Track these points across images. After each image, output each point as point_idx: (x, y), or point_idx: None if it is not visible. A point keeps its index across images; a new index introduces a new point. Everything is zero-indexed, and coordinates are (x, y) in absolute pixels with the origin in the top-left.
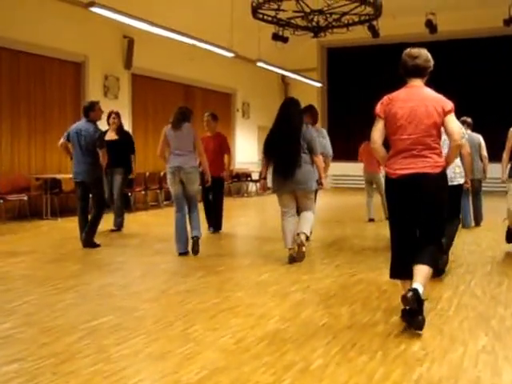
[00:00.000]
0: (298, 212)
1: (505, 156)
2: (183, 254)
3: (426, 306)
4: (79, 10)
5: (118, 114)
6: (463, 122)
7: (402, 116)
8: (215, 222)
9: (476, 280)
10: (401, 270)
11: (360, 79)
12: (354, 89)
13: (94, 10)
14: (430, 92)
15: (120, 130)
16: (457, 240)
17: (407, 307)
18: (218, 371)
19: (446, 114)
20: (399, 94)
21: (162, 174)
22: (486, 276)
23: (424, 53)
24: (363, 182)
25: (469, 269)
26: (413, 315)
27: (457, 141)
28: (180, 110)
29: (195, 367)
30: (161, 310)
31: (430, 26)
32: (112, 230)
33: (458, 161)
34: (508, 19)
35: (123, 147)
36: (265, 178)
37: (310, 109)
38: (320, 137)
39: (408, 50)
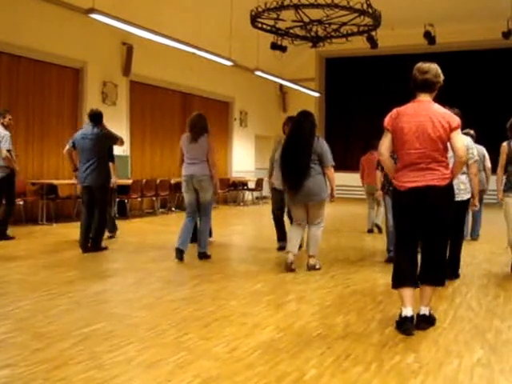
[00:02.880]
0: (308, 222)
1: (499, 172)
2: (178, 250)
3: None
4: (79, 16)
5: None
6: (466, 134)
7: (409, 131)
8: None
9: (472, 292)
10: (403, 279)
11: (358, 89)
12: (352, 99)
13: (94, 16)
14: (437, 107)
15: None
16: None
17: (421, 329)
18: (211, 380)
19: (452, 130)
20: (407, 109)
21: (158, 181)
22: (482, 288)
23: (434, 68)
24: (360, 193)
25: (465, 281)
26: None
27: (462, 157)
28: (198, 124)
29: (188, 376)
30: (154, 318)
31: (429, 37)
32: (108, 237)
33: (463, 178)
34: (507, 32)
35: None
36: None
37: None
38: None
39: (419, 64)
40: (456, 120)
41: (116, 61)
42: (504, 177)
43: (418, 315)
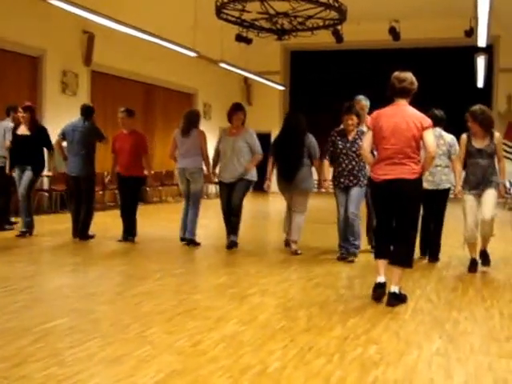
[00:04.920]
0: (291, 209)
1: (458, 166)
2: (183, 239)
3: (384, 309)
4: (37, 2)
5: (27, 108)
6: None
7: (386, 129)
8: (127, 227)
9: (432, 285)
10: (381, 253)
11: (323, 83)
12: (317, 93)
13: (53, 2)
14: (412, 110)
15: (33, 124)
16: None
17: (391, 305)
18: (175, 374)
19: (424, 129)
20: (386, 111)
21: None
22: (441, 281)
23: (410, 77)
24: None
25: (424, 273)
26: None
27: (431, 153)
28: (187, 119)
29: (151, 370)
30: (117, 313)
31: (394, 33)
32: (21, 232)
33: (446, 170)
34: (469, 30)
35: (35, 143)
36: (269, 180)
37: (242, 108)
38: (250, 138)
39: (397, 73)
40: (428, 121)
41: (76, 49)
42: (463, 172)
43: (389, 293)
